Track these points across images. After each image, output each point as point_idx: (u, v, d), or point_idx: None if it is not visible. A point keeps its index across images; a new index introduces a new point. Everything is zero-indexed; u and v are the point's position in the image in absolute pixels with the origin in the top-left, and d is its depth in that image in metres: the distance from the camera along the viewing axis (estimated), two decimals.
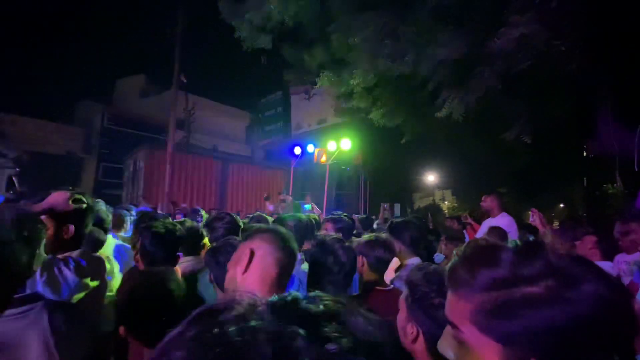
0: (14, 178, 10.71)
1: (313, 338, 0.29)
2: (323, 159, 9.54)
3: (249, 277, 0.99)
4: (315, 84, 7.58)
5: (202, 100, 15.94)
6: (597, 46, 4.31)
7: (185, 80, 11.21)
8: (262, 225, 1.48)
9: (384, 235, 1.95)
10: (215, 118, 16.77)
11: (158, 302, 1.15)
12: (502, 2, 4.25)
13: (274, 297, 0.35)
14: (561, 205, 15.52)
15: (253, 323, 0.30)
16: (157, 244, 1.68)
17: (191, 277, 1.91)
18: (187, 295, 1.69)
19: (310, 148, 9.35)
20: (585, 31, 4.04)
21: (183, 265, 1.98)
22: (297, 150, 9.20)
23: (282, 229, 1.14)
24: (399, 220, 2.16)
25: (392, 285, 1.79)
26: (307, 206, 6.78)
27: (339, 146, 8.88)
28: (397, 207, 12.23)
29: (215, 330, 0.30)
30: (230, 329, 0.30)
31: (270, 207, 6.96)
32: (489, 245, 0.56)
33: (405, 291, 1.03)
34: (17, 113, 13.76)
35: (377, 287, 1.64)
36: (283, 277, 1.04)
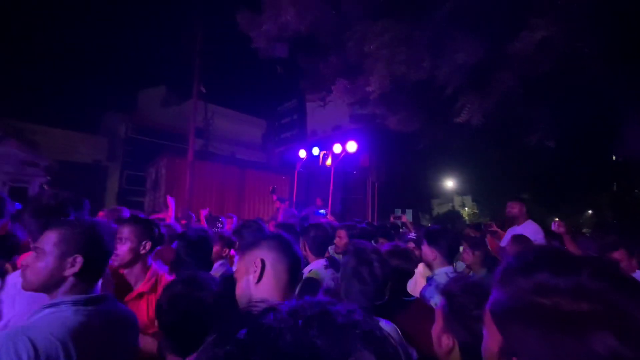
0: (44, 186, 11.28)
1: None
2: (328, 162, 9.27)
3: (263, 285, 1.02)
4: (331, 91, 7.63)
5: (221, 109, 16.31)
6: (622, 47, 4.17)
7: (204, 90, 11.52)
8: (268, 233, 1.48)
9: (401, 245, 1.94)
10: (233, 126, 17.12)
11: (198, 312, 1.14)
12: (520, 5, 4.18)
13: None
14: (589, 211, 14.86)
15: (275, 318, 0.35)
16: (191, 252, 1.72)
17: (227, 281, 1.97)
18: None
19: (315, 151, 9.09)
20: (609, 32, 3.92)
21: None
22: (302, 154, 9.04)
23: (284, 235, 1.16)
24: (435, 227, 2.11)
25: (415, 296, 1.77)
26: (322, 211, 6.70)
27: (346, 149, 8.46)
28: (409, 214, 11.92)
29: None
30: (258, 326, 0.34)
31: (278, 202, 6.82)
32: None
33: (441, 301, 1.03)
34: (48, 124, 14.50)
35: (402, 298, 1.63)
36: (293, 282, 1.07)
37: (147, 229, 1.74)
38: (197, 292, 1.16)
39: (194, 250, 1.67)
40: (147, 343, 1.43)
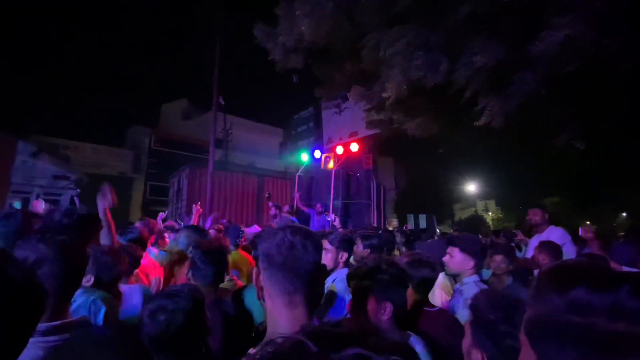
0: (75, 198, 11.84)
1: None
2: (330, 164, 8.94)
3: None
4: (346, 99, 7.64)
5: (239, 120, 16.72)
6: None
7: (223, 102, 11.83)
8: None
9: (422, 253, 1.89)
10: (251, 136, 17.46)
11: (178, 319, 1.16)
12: (540, 5, 4.06)
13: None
14: (623, 214, 14.04)
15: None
16: (207, 261, 1.76)
17: (237, 294, 1.98)
18: (236, 311, 1.76)
19: (317, 154, 8.83)
20: (637, 28, 3.73)
21: None
22: (304, 157, 8.87)
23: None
24: (468, 235, 2.02)
25: (439, 306, 1.72)
26: (329, 218, 6.53)
27: (349, 149, 8.05)
28: (422, 219, 11.50)
29: None
30: None
31: (273, 209, 6.63)
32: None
33: (469, 316, 1.01)
34: (78, 139, 15.33)
35: (425, 308, 1.59)
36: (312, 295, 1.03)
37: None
38: (164, 301, 1.19)
39: (210, 259, 1.72)
40: None
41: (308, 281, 0.85)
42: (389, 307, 1.26)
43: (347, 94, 7.30)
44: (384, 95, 5.94)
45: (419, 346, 1.25)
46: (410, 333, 1.30)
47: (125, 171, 16.24)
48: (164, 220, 4.60)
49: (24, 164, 11.74)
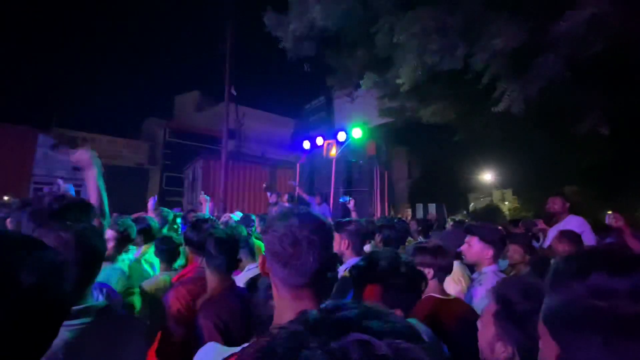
0: None
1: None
2: (333, 152, 8.65)
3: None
4: (359, 86, 7.51)
5: (251, 110, 16.74)
6: None
7: (235, 93, 11.84)
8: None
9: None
10: (263, 126, 17.50)
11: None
12: None
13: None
14: None
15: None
16: (219, 249, 1.77)
17: (252, 281, 2.00)
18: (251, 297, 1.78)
19: (319, 140, 8.52)
20: None
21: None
22: (306, 145, 8.64)
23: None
24: (486, 224, 1.96)
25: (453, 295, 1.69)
26: (342, 199, 6.43)
27: (351, 135, 7.59)
28: (431, 208, 11.29)
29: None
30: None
31: (273, 197, 6.52)
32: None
33: (495, 306, 0.95)
34: (95, 131, 15.73)
35: (439, 296, 1.56)
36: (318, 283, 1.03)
37: None
38: None
39: (222, 247, 1.72)
40: None
41: (315, 277, 0.79)
42: (398, 314, 1.20)
43: (360, 82, 7.16)
44: (397, 81, 5.80)
45: (421, 328, 1.21)
46: (414, 320, 1.27)
47: (142, 162, 16.59)
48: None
49: (45, 156, 12.17)
